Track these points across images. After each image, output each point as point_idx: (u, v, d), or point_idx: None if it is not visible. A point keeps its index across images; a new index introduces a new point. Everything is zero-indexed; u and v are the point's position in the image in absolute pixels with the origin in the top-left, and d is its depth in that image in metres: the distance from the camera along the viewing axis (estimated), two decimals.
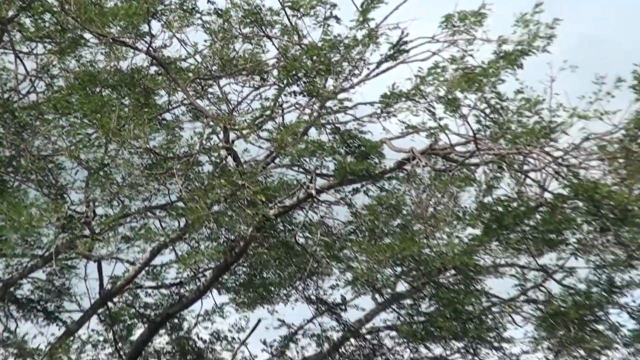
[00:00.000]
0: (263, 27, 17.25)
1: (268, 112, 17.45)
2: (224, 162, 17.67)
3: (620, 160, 16.97)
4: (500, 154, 16.98)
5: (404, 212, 17.86)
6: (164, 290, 20.67)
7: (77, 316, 19.85)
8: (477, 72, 16.67)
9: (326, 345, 20.37)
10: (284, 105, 17.48)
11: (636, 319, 19.58)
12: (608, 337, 19.49)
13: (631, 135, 16.83)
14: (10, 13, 17.43)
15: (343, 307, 20.51)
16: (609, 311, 19.63)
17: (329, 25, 16.98)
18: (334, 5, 16.74)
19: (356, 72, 17.15)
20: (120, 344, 20.27)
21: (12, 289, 19.71)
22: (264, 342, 20.80)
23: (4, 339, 20.39)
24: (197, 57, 17.66)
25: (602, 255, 18.61)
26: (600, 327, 19.52)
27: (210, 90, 17.91)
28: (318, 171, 17.63)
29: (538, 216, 17.74)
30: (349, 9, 16.72)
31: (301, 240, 18.85)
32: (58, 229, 17.69)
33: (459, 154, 17.25)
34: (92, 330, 20.37)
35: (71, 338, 19.19)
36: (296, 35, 17.12)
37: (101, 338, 20.57)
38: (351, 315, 20.45)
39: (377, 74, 17.27)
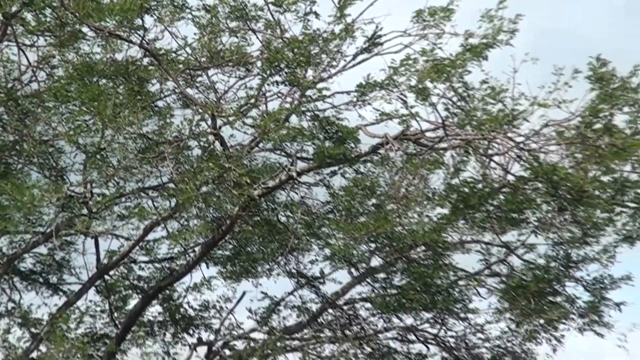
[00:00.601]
0: (248, 22, 17.25)
1: (252, 101, 17.48)
2: (211, 146, 17.70)
3: (577, 145, 17.06)
4: (467, 139, 17.10)
5: (378, 192, 17.86)
6: (156, 265, 20.70)
7: (76, 288, 20.02)
8: (446, 63, 16.70)
9: (306, 316, 20.37)
10: (267, 94, 17.49)
11: (590, 291, 19.68)
12: (565, 308, 19.54)
13: (586, 122, 16.89)
14: (14, 9, 17.48)
15: (321, 281, 20.51)
16: (566, 284, 19.68)
17: (308, 20, 17.00)
18: (314, 2, 16.78)
19: (334, 63, 17.19)
20: (115, 314, 20.28)
21: (16, 262, 19.79)
22: (250, 311, 20.82)
23: (9, 309, 20.43)
24: (187, 49, 17.64)
25: (560, 233, 18.67)
26: (558, 299, 19.52)
27: (199, 80, 17.89)
28: (298, 155, 17.71)
29: (501, 197, 17.86)
30: (327, 5, 16.80)
31: (283, 219, 18.98)
32: (58, 208, 17.76)
33: (428, 139, 17.34)
34: (90, 301, 20.34)
35: (71, 308, 19.23)
36: (278, 30, 17.15)
37: (98, 308, 20.55)
38: (329, 288, 20.55)
39: (353, 65, 17.32)
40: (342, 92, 17.43)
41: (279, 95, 17.56)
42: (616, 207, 17.88)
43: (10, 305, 20.49)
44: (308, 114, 17.46)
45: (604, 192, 17.39)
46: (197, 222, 18.64)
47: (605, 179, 17.31)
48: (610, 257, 19.43)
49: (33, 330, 19.62)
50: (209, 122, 17.45)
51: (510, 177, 17.60)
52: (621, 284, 19.70)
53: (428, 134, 17.37)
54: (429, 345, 20.90)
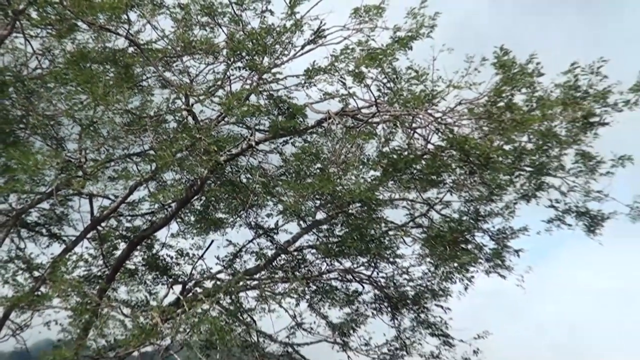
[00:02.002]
0: (215, 17, 17.42)
1: (219, 83, 17.75)
2: (185, 120, 17.89)
3: (484, 120, 17.41)
4: (395, 114, 17.42)
5: (322, 158, 18.09)
6: (139, 218, 20.78)
7: (73, 237, 20.00)
8: (378, 52, 16.99)
9: (262, 260, 20.38)
10: (231, 78, 17.73)
11: (495, 240, 19.85)
12: (474, 254, 19.64)
13: (492, 101, 17.26)
14: (21, 6, 17.46)
15: (275, 231, 20.57)
16: (475, 234, 19.81)
17: (265, 17, 17.29)
18: (269, 1, 17.08)
19: (285, 52, 17.45)
20: (106, 259, 20.26)
21: (23, 216, 19.73)
22: (217, 257, 20.82)
23: (16, 255, 20.35)
24: (165, 40, 17.64)
25: (470, 192, 18.89)
26: (468, 247, 19.64)
27: (174, 65, 17.93)
28: (257, 127, 18.10)
29: (423, 162, 18.11)
30: (280, 4, 17.05)
31: (244, 180, 19.07)
32: (58, 171, 17.74)
33: (363, 114, 17.74)
34: (85, 248, 20.22)
35: (68, 254, 19.10)
36: (240, 24, 17.36)
37: (92, 254, 20.38)
38: (282, 237, 20.62)
39: (302, 54, 17.55)
40: (292, 76, 17.73)
41: (241, 78, 17.81)
42: (516, 171, 18.10)
43: (17, 252, 20.31)
44: (264, 94, 17.84)
45: (506, 158, 17.66)
46: (172, 183, 18.76)
47: (507, 147, 17.59)
48: (510, 212, 19.54)
49: (36, 273, 19.59)
50: (183, 100, 17.62)
51: (430, 146, 17.96)
52: (519, 234, 19.88)
53: (363, 111, 17.76)
54: (364, 284, 21.00)
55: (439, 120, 17.47)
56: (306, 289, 20.49)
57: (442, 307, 20.95)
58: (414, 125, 17.73)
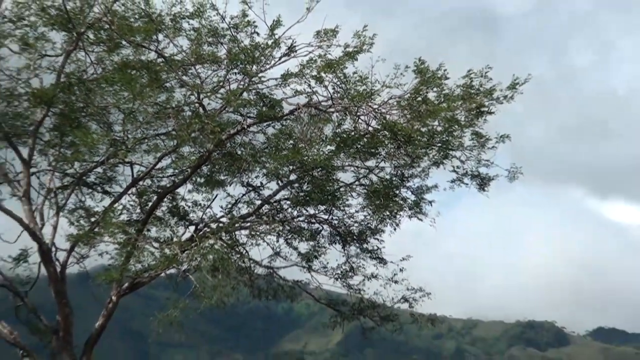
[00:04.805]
0: (218, 38, 17.46)
1: (221, 83, 17.77)
2: (197, 110, 17.89)
3: (407, 110, 17.69)
4: (345, 106, 17.62)
5: (293, 137, 18.14)
6: (165, 179, 20.63)
7: (118, 193, 20.06)
8: (333, 62, 17.20)
9: (252, 208, 20.14)
10: (230, 80, 17.74)
11: (415, 194, 19.80)
12: (400, 204, 19.64)
13: (413, 96, 17.57)
14: (82, 29, 17.55)
15: (261, 188, 20.38)
16: (401, 190, 19.78)
17: (253, 37, 17.41)
18: (256, 26, 17.20)
19: (268, 62, 17.55)
20: (142, 208, 20.06)
21: (83, 178, 19.88)
22: (220, 207, 20.62)
23: (79, 206, 20.46)
24: (183, 53, 17.69)
25: (397, 161, 18.95)
26: (396, 199, 19.60)
27: (189, 71, 17.96)
28: (248, 115, 18.11)
29: (365, 140, 18.21)
30: (264, 27, 17.16)
31: (239, 152, 18.98)
32: (108, 146, 18.01)
33: (323, 106, 17.87)
34: (127, 201, 20.15)
35: (115, 205, 19.27)
36: (236, 42, 17.45)
37: (132, 205, 20.29)
38: (266, 192, 20.38)
39: (279, 63, 17.63)
40: (273, 79, 17.81)
41: (236, 80, 17.84)
42: (429, 146, 18.30)
43: (79, 204, 20.52)
44: (253, 91, 17.94)
45: (422, 137, 17.88)
46: (188, 154, 18.69)
47: (423, 129, 17.85)
48: (425, 175, 19.62)
49: (92, 218, 19.70)
50: (196, 96, 17.74)
51: (370, 129, 18.12)
52: (432, 190, 19.85)
53: (323, 103, 17.87)
54: (323, 225, 20.78)
55: (376, 110, 17.69)
56: (281, 228, 20.30)
57: (377, 239, 20.79)
58: (358, 113, 17.83)
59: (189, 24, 17.54)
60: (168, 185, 20.13)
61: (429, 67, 17.57)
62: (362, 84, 17.36)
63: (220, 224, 19.40)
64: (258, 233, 19.49)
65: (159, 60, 17.69)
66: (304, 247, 20.92)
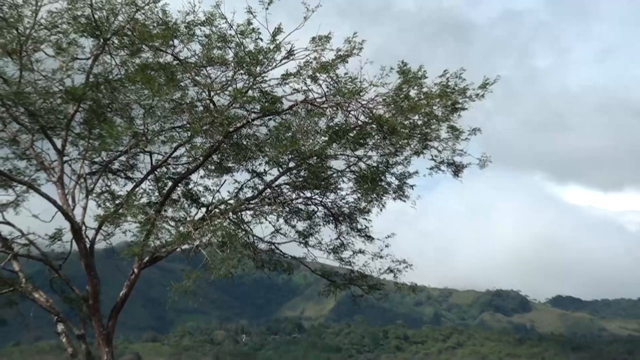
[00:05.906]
0: (227, 42, 17.31)
1: (229, 82, 17.65)
2: (208, 105, 17.82)
3: (392, 105, 17.65)
4: (337, 102, 17.52)
5: (292, 129, 18.00)
6: (180, 166, 20.40)
7: (139, 179, 19.91)
8: (327, 64, 17.09)
9: (256, 191, 20.02)
10: (236, 79, 17.58)
11: (398, 179, 19.64)
12: (386, 188, 19.53)
13: (396, 94, 17.56)
14: (108, 35, 17.57)
15: (264, 174, 20.10)
16: (386, 175, 19.61)
17: (257, 42, 17.20)
18: (260, 33, 17.01)
19: (270, 64, 17.39)
20: (160, 192, 19.92)
21: (109, 165, 19.87)
22: (228, 191, 20.41)
23: (105, 190, 20.44)
24: (196, 56, 17.59)
25: (383, 150, 18.87)
26: (382, 183, 19.44)
27: (201, 72, 17.81)
28: (252, 110, 17.98)
29: (355, 132, 18.06)
30: (267, 34, 17.00)
31: (244, 142, 18.91)
32: (130, 137, 18.07)
33: (318, 102, 17.74)
34: (147, 185, 20.13)
35: (137, 189, 19.30)
36: (242, 46, 17.27)
37: (151, 189, 20.18)
38: (268, 178, 20.08)
39: (280, 65, 17.49)
40: (274, 79, 17.68)
41: (242, 80, 17.70)
42: (411, 137, 18.24)
43: (105, 189, 20.52)
44: (257, 89, 17.80)
45: (405, 130, 17.85)
46: (200, 144, 18.67)
47: (405, 123, 17.83)
48: (407, 162, 19.51)
49: (117, 201, 19.72)
50: (207, 93, 17.72)
51: (359, 122, 18.06)
52: (413, 176, 19.67)
53: (318, 100, 17.75)
54: (318, 207, 20.68)
55: (364, 106, 17.66)
56: (281, 209, 20.22)
57: (365, 219, 20.70)
58: (349, 109, 17.77)
59: (201, 31, 17.42)
60: (182, 172, 20.05)
61: (410, 68, 17.56)
62: (352, 83, 17.30)
63: (228, 206, 19.35)
64: (261, 213, 19.54)
65: (175, 62, 17.61)
66: (301, 225, 20.85)
